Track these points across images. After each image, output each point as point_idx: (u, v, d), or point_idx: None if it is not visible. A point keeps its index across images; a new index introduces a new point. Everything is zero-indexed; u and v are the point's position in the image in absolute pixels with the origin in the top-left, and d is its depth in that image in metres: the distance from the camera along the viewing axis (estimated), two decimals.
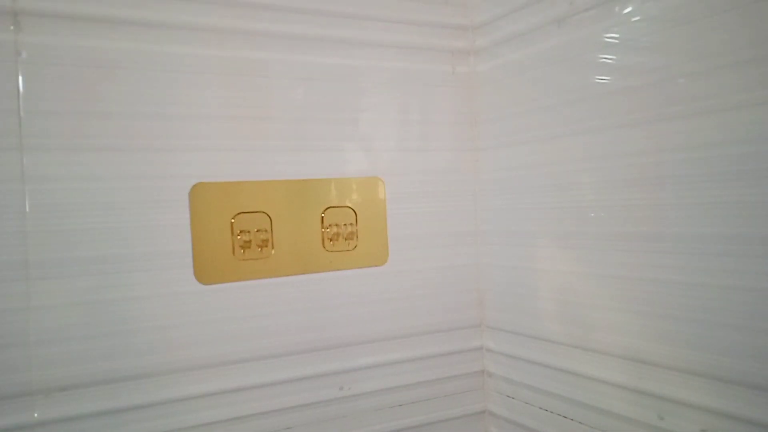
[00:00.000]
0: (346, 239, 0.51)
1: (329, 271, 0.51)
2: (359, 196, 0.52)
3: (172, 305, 0.45)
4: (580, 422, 0.48)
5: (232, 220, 0.47)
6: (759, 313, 0.36)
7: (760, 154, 0.35)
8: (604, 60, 0.44)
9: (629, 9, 0.42)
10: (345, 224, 0.51)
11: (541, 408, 0.52)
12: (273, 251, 0.49)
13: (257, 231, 0.48)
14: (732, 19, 0.36)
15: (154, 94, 0.45)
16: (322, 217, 0.51)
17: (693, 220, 0.39)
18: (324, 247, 0.51)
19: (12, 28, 0.40)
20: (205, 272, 0.46)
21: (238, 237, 0.47)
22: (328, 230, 0.51)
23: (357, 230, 0.51)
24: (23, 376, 0.40)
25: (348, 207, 0.52)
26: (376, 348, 0.53)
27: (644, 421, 0.43)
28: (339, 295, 0.51)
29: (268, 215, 0.48)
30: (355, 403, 0.52)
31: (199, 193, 0.46)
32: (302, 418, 0.49)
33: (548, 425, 0.51)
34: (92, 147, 0.43)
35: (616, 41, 0.44)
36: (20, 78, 0.41)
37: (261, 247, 0.48)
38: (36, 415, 0.41)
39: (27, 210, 0.41)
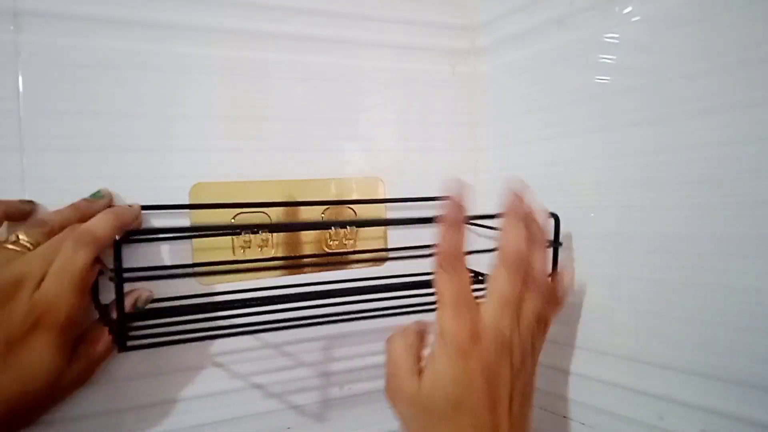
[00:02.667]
0: (346, 239, 0.50)
1: (329, 270, 0.51)
2: (359, 196, 0.52)
3: (172, 305, 0.45)
4: (580, 422, 0.48)
5: (232, 220, 0.47)
6: (759, 313, 0.36)
7: (761, 154, 0.35)
8: (604, 60, 0.44)
9: (629, 9, 0.43)
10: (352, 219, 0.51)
11: (541, 408, 0.52)
12: (273, 251, 0.49)
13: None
14: (732, 19, 0.36)
15: (154, 94, 0.45)
16: (322, 217, 0.51)
17: (693, 220, 0.39)
18: (324, 247, 0.51)
19: (12, 28, 0.40)
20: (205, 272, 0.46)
21: (238, 237, 0.47)
22: (328, 230, 0.51)
23: (357, 230, 0.51)
24: None
25: (348, 207, 0.52)
26: (376, 347, 0.53)
27: (644, 421, 0.43)
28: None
29: (268, 215, 0.48)
30: (356, 403, 0.52)
31: (199, 193, 0.46)
32: (302, 418, 0.49)
33: (548, 425, 0.51)
34: (92, 147, 0.43)
35: (616, 41, 0.44)
36: (20, 78, 0.41)
37: (261, 247, 0.48)
38: None
39: None
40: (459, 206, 0.36)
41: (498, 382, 0.35)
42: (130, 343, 0.37)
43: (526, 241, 0.38)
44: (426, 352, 0.39)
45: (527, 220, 0.39)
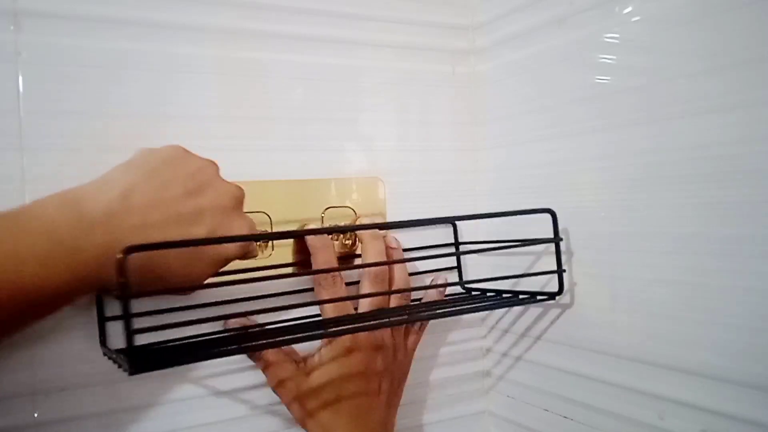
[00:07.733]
0: (346, 239, 0.50)
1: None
2: (359, 196, 0.52)
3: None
4: (580, 422, 0.48)
5: None
6: (759, 313, 0.36)
7: (761, 154, 0.35)
8: (604, 60, 0.44)
9: (629, 9, 0.43)
10: (345, 224, 0.51)
11: (541, 408, 0.52)
12: (273, 251, 0.48)
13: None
14: (732, 19, 0.36)
15: (154, 94, 0.45)
16: (322, 217, 0.51)
17: (693, 220, 0.39)
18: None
19: (12, 28, 0.40)
20: None
21: None
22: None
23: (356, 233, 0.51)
24: (23, 376, 0.40)
25: (348, 207, 0.52)
26: None
27: (644, 421, 0.43)
28: None
29: (268, 215, 0.48)
30: None
31: None
32: None
33: (549, 425, 0.51)
34: (92, 147, 0.43)
35: (616, 41, 0.44)
36: (20, 78, 0.41)
37: (261, 247, 0.48)
38: (36, 415, 0.41)
39: None
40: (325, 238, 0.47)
41: (373, 372, 0.44)
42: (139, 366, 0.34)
43: (386, 254, 0.47)
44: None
45: (386, 238, 0.49)
